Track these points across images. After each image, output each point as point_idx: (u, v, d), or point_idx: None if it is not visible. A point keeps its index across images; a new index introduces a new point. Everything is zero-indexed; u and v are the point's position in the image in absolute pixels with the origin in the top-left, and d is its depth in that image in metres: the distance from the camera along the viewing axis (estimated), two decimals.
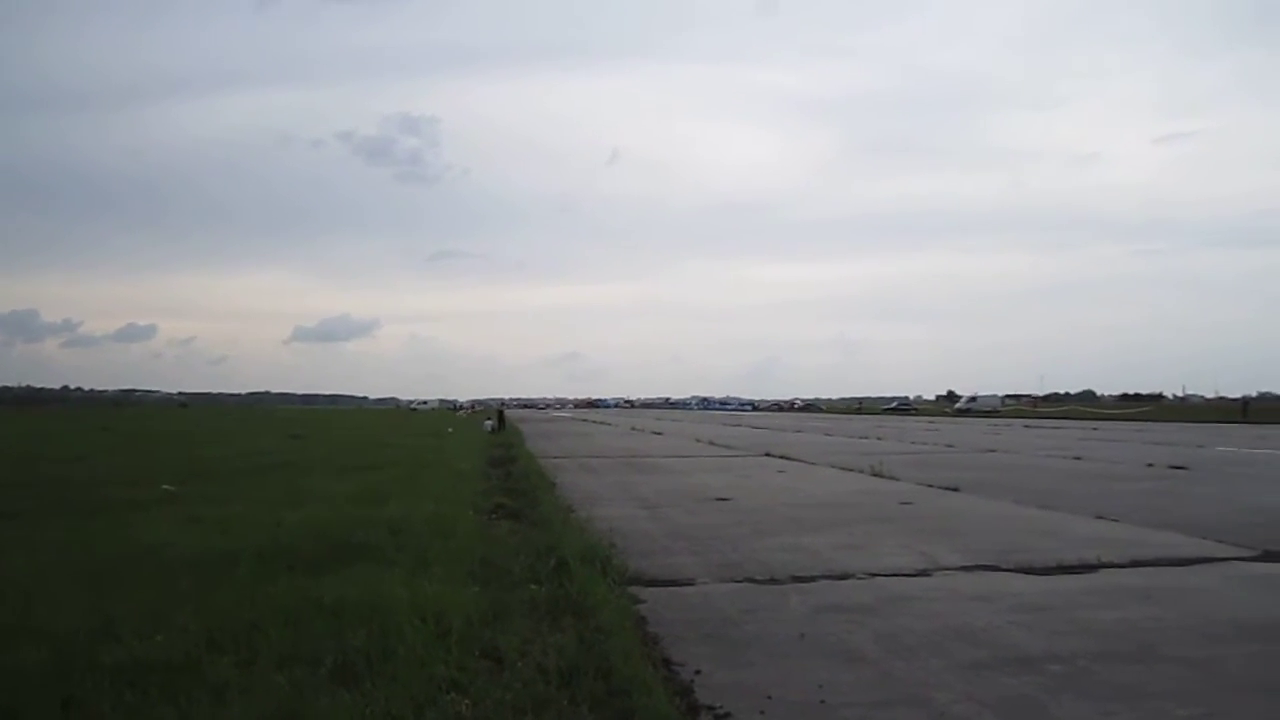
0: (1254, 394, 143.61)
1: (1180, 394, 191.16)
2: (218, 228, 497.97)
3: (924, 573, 9.27)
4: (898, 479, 19.33)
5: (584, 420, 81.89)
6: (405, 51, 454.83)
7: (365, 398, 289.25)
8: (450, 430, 46.78)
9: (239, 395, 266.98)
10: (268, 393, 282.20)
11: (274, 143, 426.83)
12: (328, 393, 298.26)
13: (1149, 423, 64.42)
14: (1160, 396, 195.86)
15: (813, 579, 8.96)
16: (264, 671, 5.38)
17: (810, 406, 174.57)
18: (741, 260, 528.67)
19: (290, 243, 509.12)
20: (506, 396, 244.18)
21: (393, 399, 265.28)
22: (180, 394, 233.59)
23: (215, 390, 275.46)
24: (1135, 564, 9.64)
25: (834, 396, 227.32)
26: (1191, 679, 5.78)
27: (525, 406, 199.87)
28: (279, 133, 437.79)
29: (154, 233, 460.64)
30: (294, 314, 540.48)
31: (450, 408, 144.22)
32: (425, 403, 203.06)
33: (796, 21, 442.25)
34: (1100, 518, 13.07)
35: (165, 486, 15.75)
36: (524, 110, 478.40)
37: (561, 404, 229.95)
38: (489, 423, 48.45)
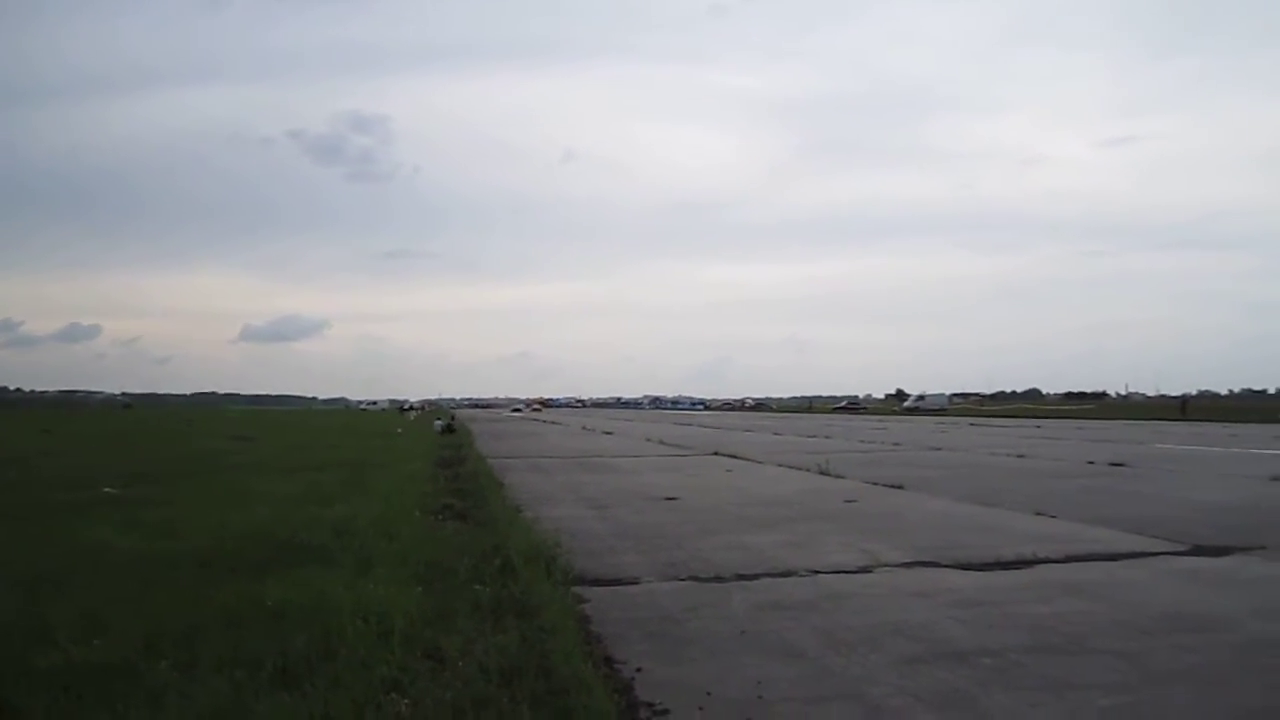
0: (1193, 392, 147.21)
1: (1123, 392, 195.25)
2: (164, 226, 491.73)
3: (865, 569, 9.41)
4: (844, 477, 19.55)
5: (535, 420, 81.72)
6: (356, 49, 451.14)
7: (314, 398, 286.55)
8: (399, 431, 46.52)
9: (185, 396, 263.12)
10: (214, 393, 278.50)
11: (223, 140, 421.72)
12: (276, 393, 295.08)
13: (1092, 421, 65.57)
14: (1104, 395, 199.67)
15: (756, 577, 9.07)
16: (203, 675, 5.36)
17: (761, 406, 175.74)
18: (694, 260, 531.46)
19: (239, 242, 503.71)
20: (458, 396, 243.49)
21: (342, 399, 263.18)
22: (124, 394, 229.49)
23: (160, 391, 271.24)
24: (1070, 559, 9.86)
25: (785, 396, 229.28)
26: (1117, 670, 5.95)
27: (477, 406, 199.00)
28: (228, 130, 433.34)
29: (98, 231, 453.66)
30: (242, 313, 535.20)
31: (400, 408, 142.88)
32: (375, 403, 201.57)
33: (749, 23, 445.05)
34: (1039, 514, 13.33)
35: (107, 489, 15.53)
36: (477, 109, 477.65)
37: (513, 403, 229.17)
38: (439, 423, 48.19)
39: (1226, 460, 25.02)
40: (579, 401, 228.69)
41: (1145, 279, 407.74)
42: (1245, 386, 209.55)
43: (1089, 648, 6.49)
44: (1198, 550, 10.35)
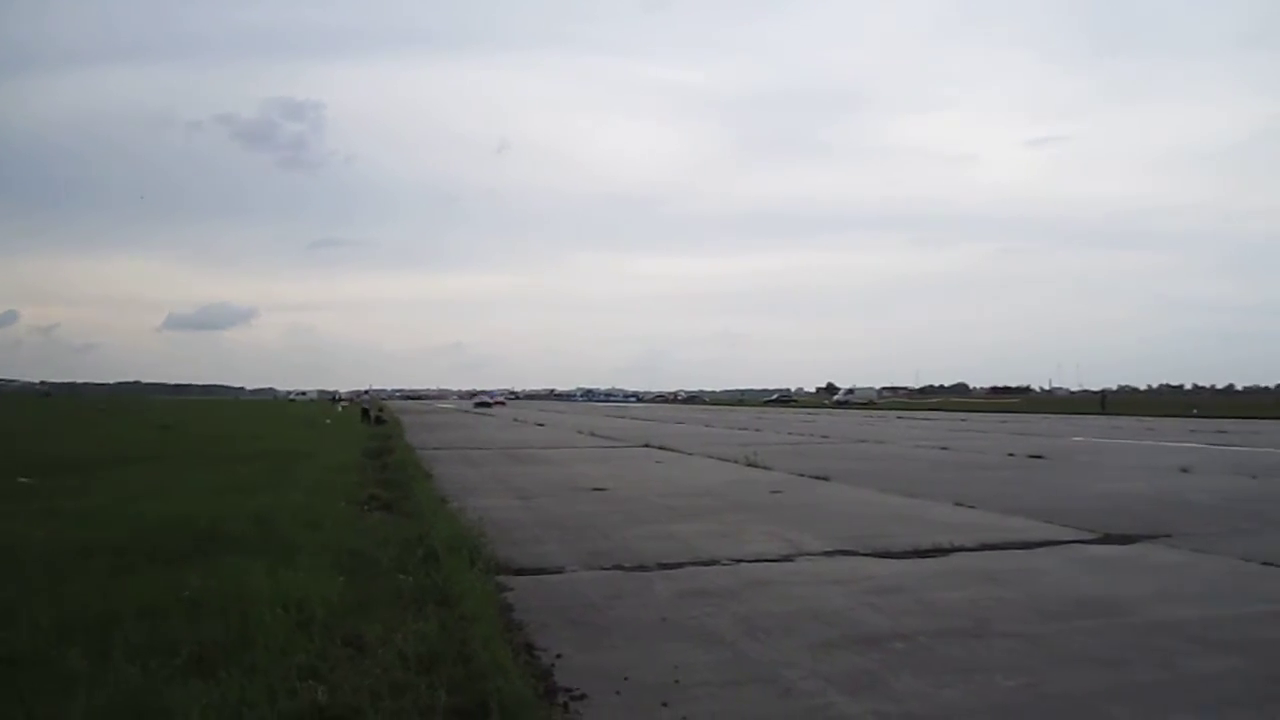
0: (1113, 387, 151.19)
1: (1046, 387, 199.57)
2: (86, 211, 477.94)
3: (787, 558, 9.58)
4: (771, 468, 19.81)
5: (466, 412, 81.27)
6: (289, 33, 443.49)
7: (241, 388, 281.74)
8: (328, 422, 45.99)
9: (107, 385, 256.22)
10: (138, 382, 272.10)
11: (149, 123, 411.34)
12: (202, 383, 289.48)
13: (1016, 414, 67.01)
14: (1028, 389, 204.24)
15: (680, 565, 9.18)
16: (115, 663, 5.30)
17: (694, 398, 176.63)
18: (629, 253, 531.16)
19: (165, 228, 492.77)
20: (391, 387, 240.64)
21: (270, 390, 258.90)
22: (43, 383, 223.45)
23: (81, 380, 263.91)
24: (985, 547, 10.14)
25: (717, 388, 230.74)
26: (1022, 653, 6.15)
27: (410, 398, 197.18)
28: (155, 113, 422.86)
29: (14, 214, 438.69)
30: (168, 301, 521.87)
31: (330, 399, 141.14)
32: (304, 393, 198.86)
33: (686, 17, 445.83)
34: (959, 504, 13.66)
35: (21, 479, 15.16)
36: (411, 97, 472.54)
37: (445, 395, 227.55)
38: (374, 413, 47.77)
39: (1140, 453, 25.78)
40: (512, 393, 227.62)
41: (1069, 276, 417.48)
42: (1163, 381, 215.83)
43: (997, 631, 6.69)
44: (1107, 538, 10.69)
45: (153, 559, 8.31)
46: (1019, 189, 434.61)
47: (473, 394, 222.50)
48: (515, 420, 55.85)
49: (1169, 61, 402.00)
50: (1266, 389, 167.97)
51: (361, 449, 25.41)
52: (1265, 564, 9.14)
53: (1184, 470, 19.36)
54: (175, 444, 26.42)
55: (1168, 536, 10.75)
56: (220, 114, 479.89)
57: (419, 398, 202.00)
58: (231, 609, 6.41)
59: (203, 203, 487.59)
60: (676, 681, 5.53)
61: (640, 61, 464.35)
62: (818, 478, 17.81)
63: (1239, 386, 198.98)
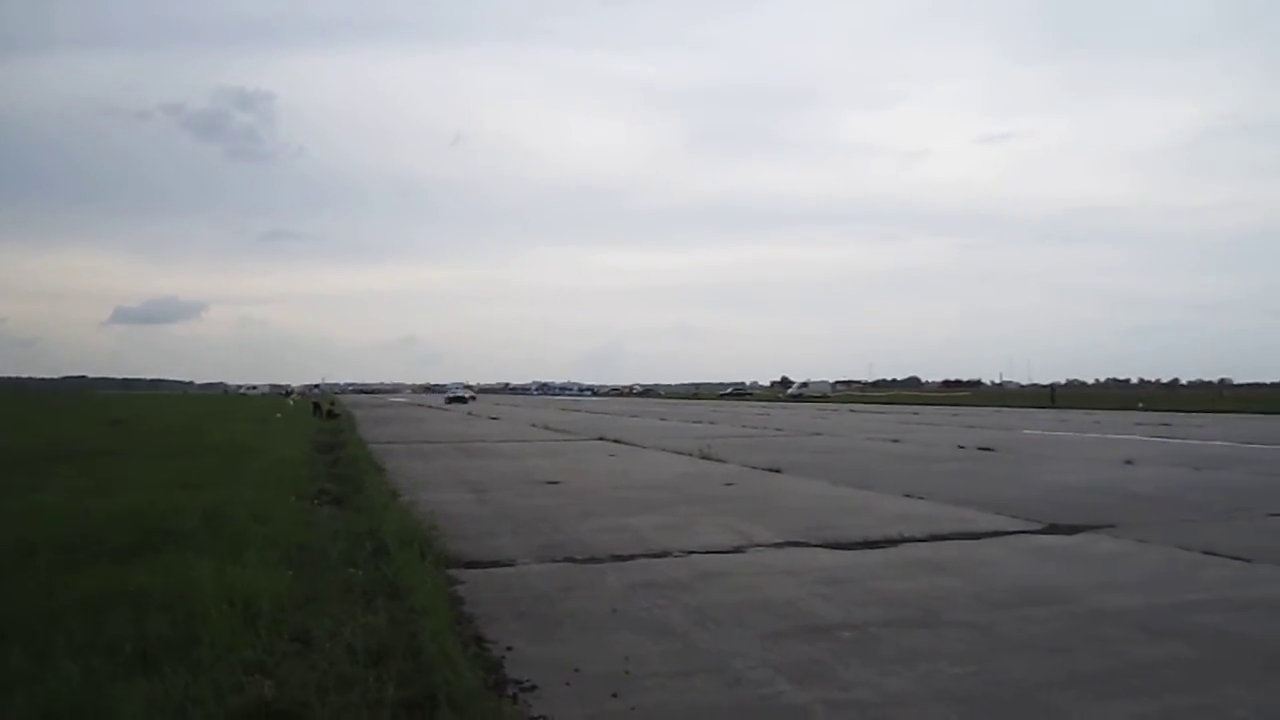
0: (1062, 381, 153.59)
1: (998, 381, 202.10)
2: (29, 202, 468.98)
3: (738, 550, 9.63)
4: (724, 461, 19.90)
5: (420, 405, 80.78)
6: (241, 23, 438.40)
7: (190, 383, 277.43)
8: (279, 416, 45.45)
9: (52, 380, 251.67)
10: (84, 377, 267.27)
11: (96, 113, 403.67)
12: (150, 377, 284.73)
13: (967, 408, 67.86)
14: (979, 383, 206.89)
15: (632, 558, 9.20)
16: (56, 661, 5.21)
17: (649, 392, 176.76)
18: (585, 246, 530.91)
19: (112, 220, 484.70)
20: (343, 381, 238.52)
21: (220, 384, 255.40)
22: None
23: (25, 374, 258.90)
24: (933, 538, 10.26)
25: (673, 382, 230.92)
26: (968, 641, 6.24)
27: (363, 392, 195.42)
28: (101, 103, 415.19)
29: None
30: (115, 294, 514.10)
31: (282, 393, 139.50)
32: (255, 388, 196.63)
33: (643, 11, 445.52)
34: (908, 496, 13.80)
35: None
36: (364, 88, 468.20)
37: (399, 389, 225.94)
38: (326, 408, 47.34)
39: (1087, 445, 26.19)
40: (466, 387, 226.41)
41: (1020, 272, 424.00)
42: (1110, 376, 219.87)
43: (944, 620, 6.78)
44: (1053, 529, 10.86)
45: (99, 556, 8.19)
46: (973, 185, 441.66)
47: (429, 388, 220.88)
48: (469, 414, 55.58)
49: (1121, 60, 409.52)
50: (1209, 383, 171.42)
51: (312, 443, 25.18)
52: (1205, 553, 9.33)
53: (1128, 462, 19.70)
54: (124, 439, 25.97)
55: (1112, 527, 10.94)
56: (168, 104, 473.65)
57: (372, 392, 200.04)
58: (177, 605, 6.33)
59: (150, 195, 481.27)
60: (627, 672, 5.54)
61: (596, 55, 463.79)
62: (770, 470, 17.91)
63: (1183, 381, 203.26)
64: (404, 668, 5.26)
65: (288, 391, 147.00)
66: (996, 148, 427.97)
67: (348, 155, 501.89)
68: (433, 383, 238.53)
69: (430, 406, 76.94)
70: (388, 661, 5.35)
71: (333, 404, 55.83)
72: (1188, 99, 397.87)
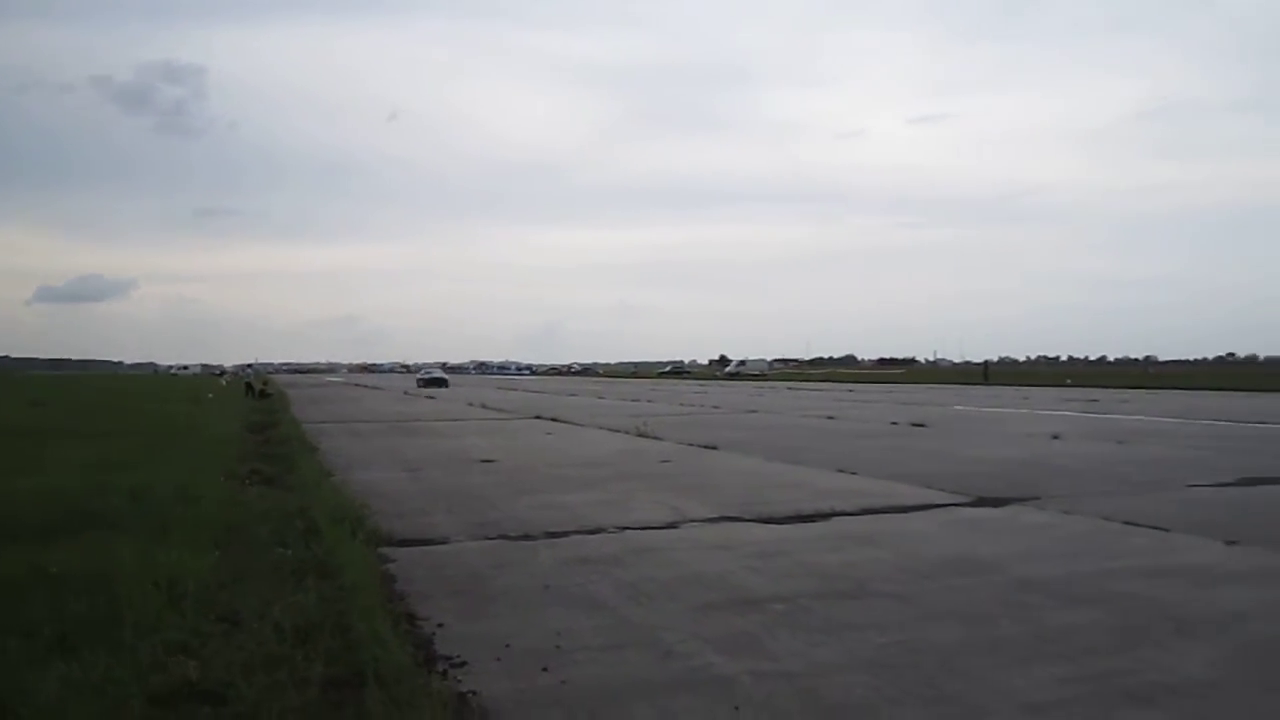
0: (995, 358, 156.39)
1: (932, 358, 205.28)
2: None
3: (672, 525, 9.68)
4: (661, 439, 19.98)
5: (356, 385, 79.95)
6: None
7: (120, 363, 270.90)
8: (211, 396, 44.75)
9: None
10: (7, 357, 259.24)
11: (16, 86, 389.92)
12: (78, 357, 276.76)
13: (901, 385, 68.69)
14: (913, 360, 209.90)
15: (566, 534, 9.21)
16: None
17: (588, 370, 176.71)
18: (524, 224, 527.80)
19: (34, 195, 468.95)
20: (278, 361, 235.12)
21: (151, 364, 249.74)
22: None
23: None
24: (865, 512, 10.40)
25: (612, 360, 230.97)
26: (895, 611, 6.35)
27: (298, 372, 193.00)
28: (22, 75, 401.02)
29: None
30: (38, 273, 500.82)
31: (214, 373, 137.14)
32: (186, 368, 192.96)
33: None
34: (841, 471, 13.97)
35: None
36: (298, 62, 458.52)
37: (336, 369, 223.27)
38: (259, 387, 46.66)
39: (1016, 420, 26.72)
40: (404, 367, 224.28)
41: (954, 251, 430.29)
42: (1041, 353, 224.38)
43: (872, 592, 6.89)
44: (980, 501, 11.07)
45: (18, 537, 8.01)
46: (907, 165, 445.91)
47: (367, 367, 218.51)
48: (405, 393, 55.16)
49: (1049, 43, 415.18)
50: (1135, 360, 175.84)
51: (245, 423, 24.84)
52: (1126, 523, 9.57)
53: (1055, 437, 20.14)
54: (48, 419, 25.37)
55: (1036, 499, 11.18)
56: (94, 76, 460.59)
57: (308, 371, 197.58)
58: (99, 587, 6.22)
59: (75, 169, 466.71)
60: (558, 647, 5.56)
61: (535, 32, 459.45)
62: (706, 447, 18.02)
63: (1111, 358, 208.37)
64: (332, 646, 5.22)
65: (220, 371, 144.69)
66: (930, 128, 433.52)
67: (282, 130, 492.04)
68: (370, 362, 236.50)
69: (364, 386, 76.14)
70: (316, 640, 5.30)
71: (266, 384, 55.00)
72: (1119, 80, 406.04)
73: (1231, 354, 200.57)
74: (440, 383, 69.90)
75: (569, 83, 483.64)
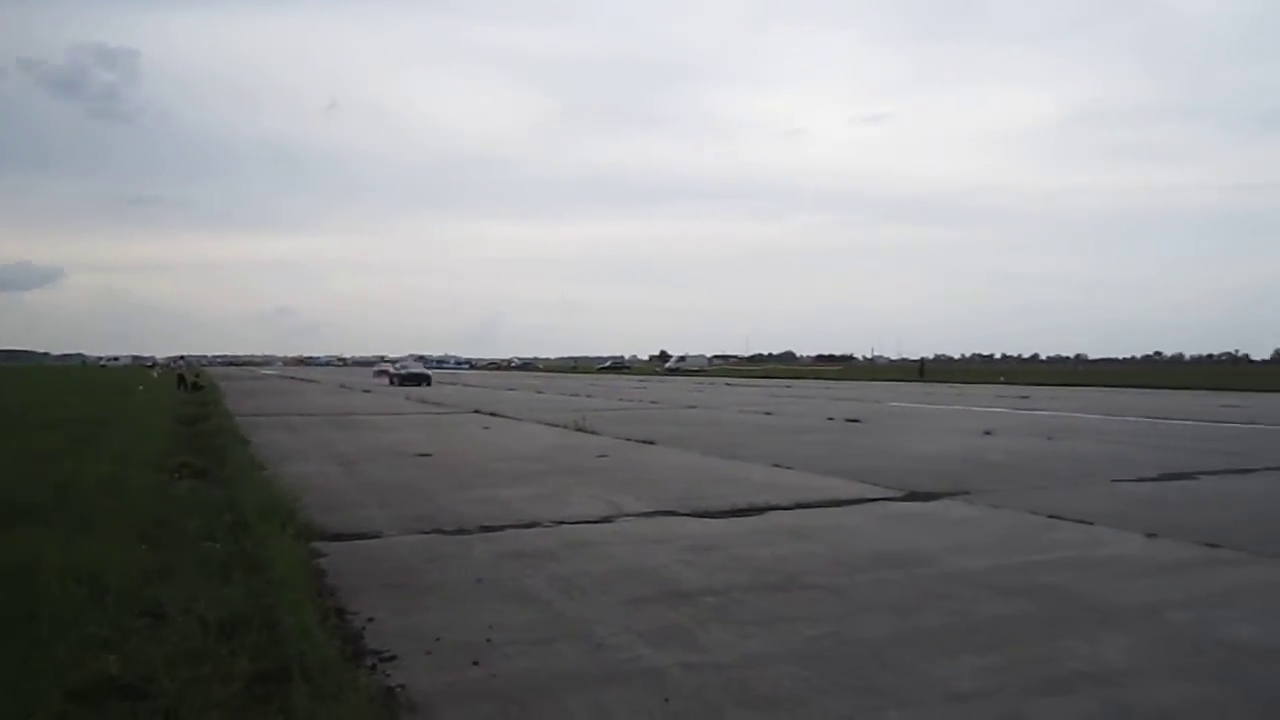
0: (931, 355, 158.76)
1: (869, 355, 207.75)
2: None
3: (608, 519, 9.70)
4: (599, 434, 19.98)
5: (292, 379, 78.88)
6: None
7: (47, 354, 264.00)
8: (141, 389, 43.80)
9: None
10: None
11: None
12: (3, 348, 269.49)
13: (839, 381, 69.41)
14: (851, 357, 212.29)
15: (501, 528, 9.17)
16: None
17: (528, 365, 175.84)
18: (464, 217, 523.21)
19: None
20: (211, 353, 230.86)
21: (79, 355, 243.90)
22: None
23: None
24: (799, 506, 10.50)
25: (553, 356, 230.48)
26: (826, 603, 6.42)
27: (232, 364, 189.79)
28: None
29: None
30: None
31: (146, 365, 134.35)
32: (116, 359, 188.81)
33: None
34: (777, 466, 14.09)
35: None
36: (235, 50, 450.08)
37: (271, 361, 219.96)
38: (191, 380, 45.84)
39: (950, 417, 27.12)
40: (340, 360, 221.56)
41: (892, 249, 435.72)
42: (976, 351, 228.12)
43: (804, 584, 6.96)
44: (912, 496, 11.24)
45: None
46: (847, 164, 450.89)
47: (303, 360, 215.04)
48: (341, 386, 54.56)
49: (990, 44, 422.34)
50: (1066, 358, 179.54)
51: (176, 416, 24.39)
52: (1051, 517, 9.77)
53: (987, 433, 20.51)
54: None
55: (966, 494, 11.38)
56: (24, 58, 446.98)
57: (243, 364, 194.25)
58: (19, 582, 6.06)
59: (2, 154, 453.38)
60: (489, 641, 5.54)
61: (477, 24, 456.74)
62: (644, 442, 18.07)
63: (1043, 356, 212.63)
64: (259, 640, 5.14)
65: (152, 363, 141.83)
66: (871, 128, 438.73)
67: (218, 119, 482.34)
68: (307, 355, 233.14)
69: (299, 379, 75.02)
70: (242, 634, 5.22)
71: (198, 376, 54.08)
72: (1054, 84, 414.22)
73: (1158, 353, 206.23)
74: (420, 380, 57.73)
75: (512, 76, 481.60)
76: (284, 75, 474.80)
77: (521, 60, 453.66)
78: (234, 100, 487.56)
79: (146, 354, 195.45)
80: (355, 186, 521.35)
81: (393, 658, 5.21)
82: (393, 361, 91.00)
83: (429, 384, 55.70)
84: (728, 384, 62.95)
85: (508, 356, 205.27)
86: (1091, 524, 9.40)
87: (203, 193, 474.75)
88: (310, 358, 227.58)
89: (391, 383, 56.14)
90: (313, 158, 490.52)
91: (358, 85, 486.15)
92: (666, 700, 4.60)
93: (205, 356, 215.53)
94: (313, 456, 15.77)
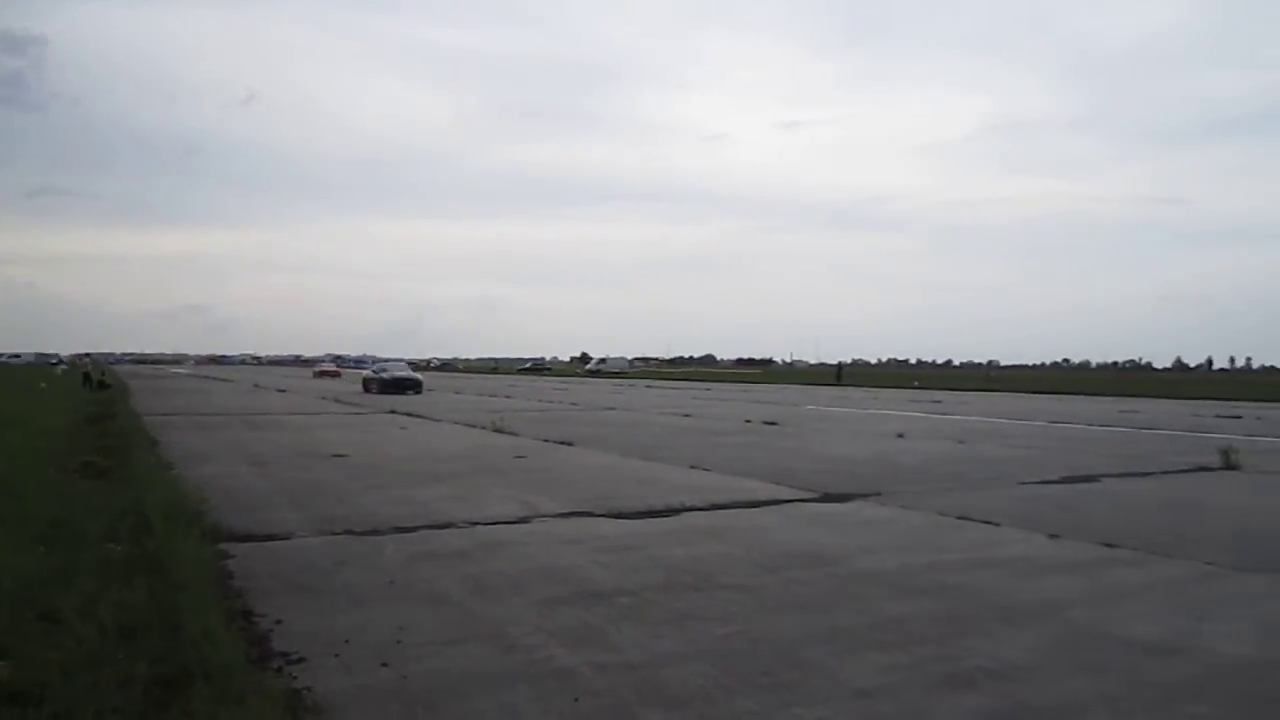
0: (849, 360, 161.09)
1: (789, 359, 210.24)
2: None
3: (523, 520, 9.67)
4: (517, 434, 19.91)
5: (204, 377, 77.13)
6: None
7: None
8: (44, 386, 42.47)
9: None
10: None
11: None
12: None
13: (758, 385, 70.05)
14: (771, 361, 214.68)
15: (414, 529, 9.09)
16: None
17: (447, 366, 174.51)
18: (384, 215, 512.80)
19: None
20: (119, 351, 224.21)
21: None
22: None
23: None
24: (714, 507, 10.59)
25: (473, 356, 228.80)
26: (738, 603, 6.48)
27: (142, 362, 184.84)
28: None
29: None
30: None
31: (49, 362, 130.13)
32: (18, 356, 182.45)
33: None
34: (694, 467, 14.19)
35: None
36: (147, 38, 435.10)
37: (182, 359, 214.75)
38: (96, 377, 44.54)
39: (865, 420, 27.58)
40: (255, 359, 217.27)
41: (812, 255, 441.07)
42: (892, 356, 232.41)
43: (717, 584, 7.01)
44: (825, 497, 11.41)
45: None
46: (769, 169, 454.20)
47: (216, 359, 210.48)
48: (256, 386, 53.52)
49: (912, 54, 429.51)
50: (979, 364, 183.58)
51: (80, 415, 23.67)
52: (960, 518, 10.00)
53: (900, 436, 20.90)
54: None
55: (878, 495, 11.58)
56: None
57: (153, 362, 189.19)
58: None
59: None
60: (399, 642, 5.48)
61: (400, 18, 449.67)
62: (562, 443, 18.05)
63: (957, 362, 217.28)
64: (160, 644, 5.02)
65: (56, 360, 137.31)
66: (792, 134, 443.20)
67: (129, 109, 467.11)
68: (219, 353, 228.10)
69: (212, 378, 73.37)
70: (142, 638, 5.09)
71: (105, 374, 52.55)
72: (974, 95, 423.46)
73: (1066, 359, 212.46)
74: (409, 385, 44.61)
75: (434, 72, 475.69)
76: (201, 65, 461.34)
77: (448, 57, 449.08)
78: (148, 90, 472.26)
79: (51, 351, 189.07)
80: (272, 181, 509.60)
81: (300, 660, 5.13)
82: (335, 359, 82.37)
83: (419, 391, 43.93)
84: (648, 386, 63.17)
85: (427, 357, 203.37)
86: (998, 525, 9.64)
87: (114, 185, 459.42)
88: (223, 356, 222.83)
89: (368, 390, 45.10)
90: (229, 152, 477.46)
91: (279, 77, 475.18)
92: (576, 700, 4.60)
93: (113, 354, 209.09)
94: (224, 457, 15.44)
